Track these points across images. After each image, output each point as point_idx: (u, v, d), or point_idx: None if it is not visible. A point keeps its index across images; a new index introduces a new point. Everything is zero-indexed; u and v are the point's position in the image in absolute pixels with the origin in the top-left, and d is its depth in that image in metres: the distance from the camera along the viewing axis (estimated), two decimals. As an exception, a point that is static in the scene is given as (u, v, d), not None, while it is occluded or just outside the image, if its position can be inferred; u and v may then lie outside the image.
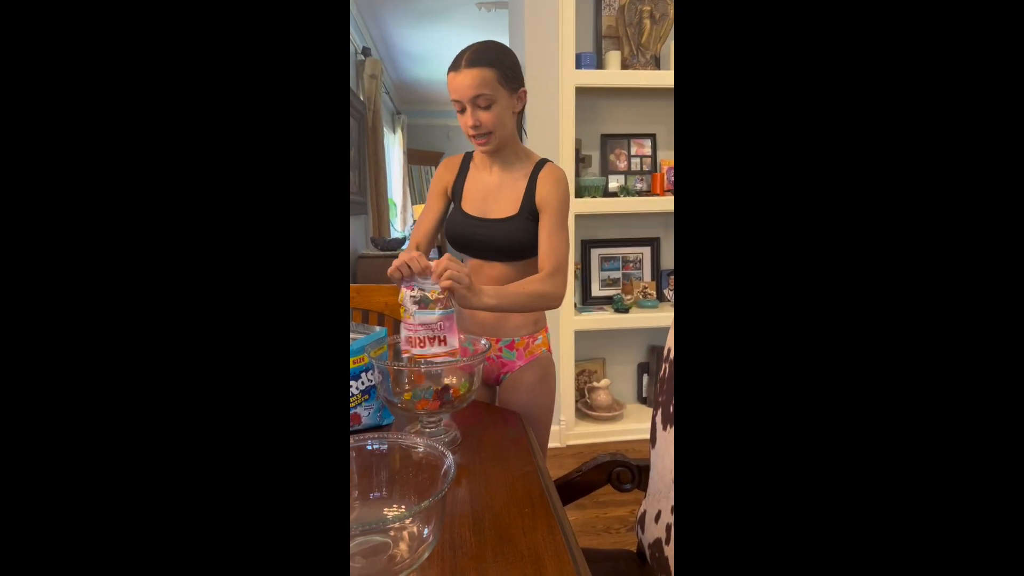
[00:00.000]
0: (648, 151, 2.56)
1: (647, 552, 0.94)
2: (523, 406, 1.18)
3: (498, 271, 1.18)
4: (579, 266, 2.56)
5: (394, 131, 5.76)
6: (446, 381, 0.93)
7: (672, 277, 2.65)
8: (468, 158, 1.25)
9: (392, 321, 1.52)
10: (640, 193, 2.51)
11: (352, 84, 3.77)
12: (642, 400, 2.72)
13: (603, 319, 2.43)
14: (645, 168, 2.56)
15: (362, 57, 4.05)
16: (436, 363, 0.92)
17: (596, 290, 2.62)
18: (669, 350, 0.93)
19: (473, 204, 1.20)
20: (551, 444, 2.39)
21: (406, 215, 5.86)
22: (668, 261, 2.66)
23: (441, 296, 0.92)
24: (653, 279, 2.63)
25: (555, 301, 1.09)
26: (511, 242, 1.15)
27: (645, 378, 2.70)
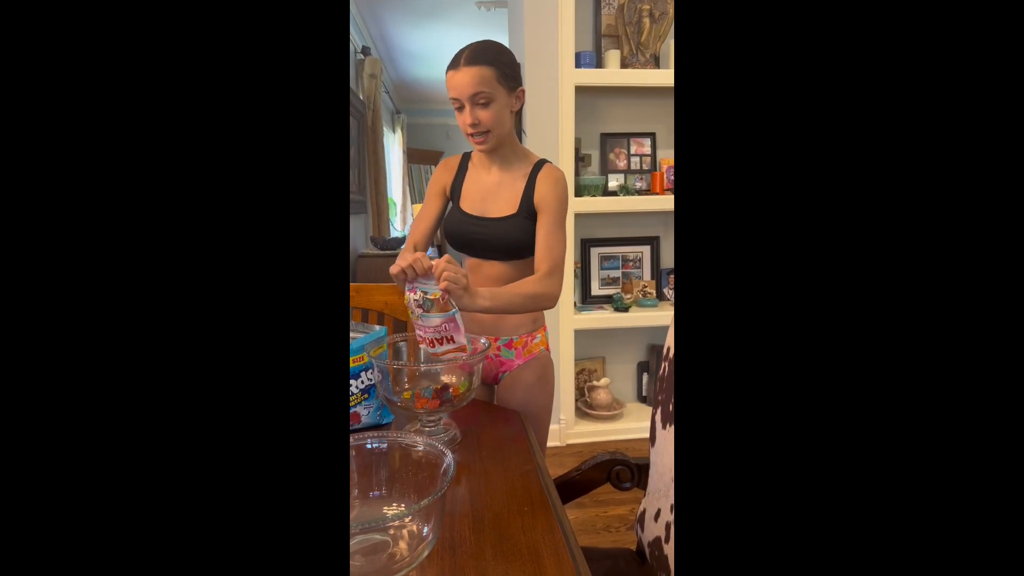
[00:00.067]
0: (648, 150, 2.56)
1: (647, 550, 0.94)
2: (521, 405, 1.18)
3: (496, 270, 1.18)
4: (579, 265, 2.56)
5: (394, 130, 5.76)
6: (445, 380, 0.94)
7: (672, 276, 2.65)
8: (466, 158, 1.26)
9: (392, 320, 1.52)
10: (640, 192, 2.51)
11: (352, 83, 3.77)
12: (642, 399, 2.72)
13: (603, 318, 2.43)
14: (645, 167, 2.56)
15: (362, 56, 4.05)
16: (444, 360, 0.95)
17: (596, 289, 2.62)
18: (669, 349, 0.93)
19: (472, 203, 1.20)
20: (551, 443, 2.39)
21: (406, 214, 5.86)
22: (668, 260, 2.66)
23: (440, 298, 0.93)
24: (653, 278, 2.63)
25: (551, 301, 1.10)
26: (509, 241, 1.15)
27: (645, 377, 2.70)
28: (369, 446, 0.69)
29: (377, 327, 1.05)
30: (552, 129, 2.31)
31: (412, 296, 0.96)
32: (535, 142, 2.29)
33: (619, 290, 2.60)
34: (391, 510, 0.68)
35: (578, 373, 2.63)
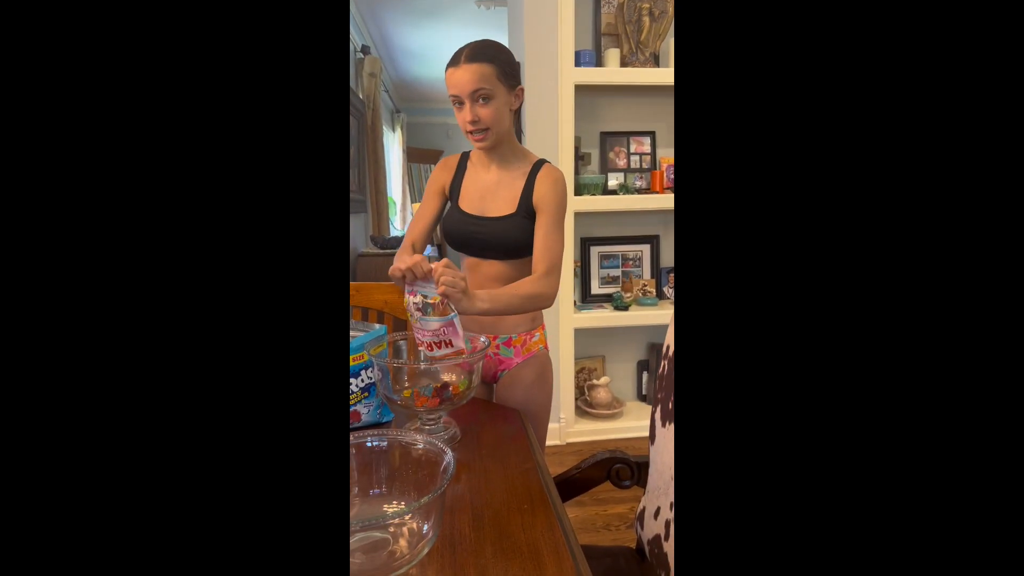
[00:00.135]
0: (647, 149, 2.56)
1: (646, 548, 0.94)
2: (520, 403, 1.18)
3: (495, 269, 1.18)
4: (578, 264, 2.56)
5: (393, 129, 5.75)
6: (445, 378, 0.94)
7: (671, 275, 2.65)
8: (465, 157, 1.26)
9: (392, 319, 1.52)
10: (639, 191, 2.51)
11: (351, 82, 3.77)
12: (642, 398, 2.72)
13: (603, 317, 2.43)
14: (644, 166, 2.56)
15: (361, 55, 4.04)
16: (443, 361, 0.95)
17: (596, 288, 2.62)
18: (668, 347, 0.93)
19: (471, 203, 1.20)
20: (551, 442, 2.39)
21: (405, 213, 5.86)
22: (667, 259, 2.66)
23: (439, 302, 0.94)
24: (652, 277, 2.63)
25: (548, 301, 1.11)
26: (508, 240, 1.15)
27: (645, 375, 2.70)
28: (369, 444, 0.70)
29: (377, 326, 1.06)
30: (552, 128, 2.31)
31: (411, 300, 0.96)
32: (535, 141, 2.29)
33: (619, 289, 2.60)
34: (391, 508, 0.69)
35: (578, 372, 2.63)
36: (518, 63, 1.16)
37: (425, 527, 0.60)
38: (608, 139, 2.54)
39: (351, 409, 0.98)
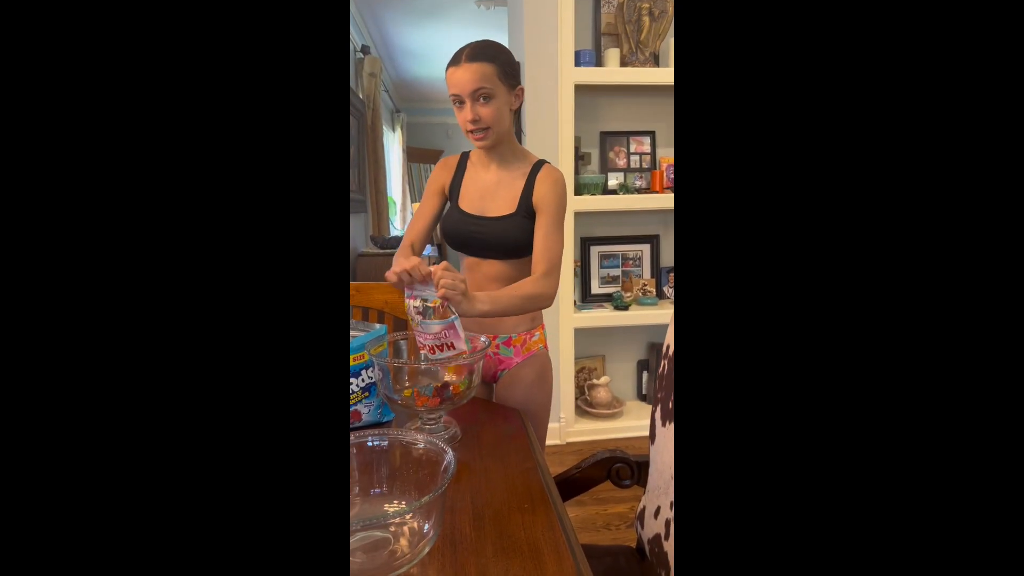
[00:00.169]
0: (647, 148, 2.56)
1: (646, 548, 0.94)
2: (520, 403, 1.18)
3: (495, 269, 1.18)
4: (578, 263, 2.56)
5: (393, 129, 5.75)
6: (446, 378, 0.94)
7: (671, 274, 2.65)
8: (465, 157, 1.26)
9: (392, 319, 1.52)
10: (639, 190, 2.51)
11: (351, 82, 3.77)
12: (642, 397, 2.72)
13: (603, 316, 2.44)
14: (644, 165, 2.56)
15: (361, 55, 4.04)
16: (442, 360, 0.95)
17: (596, 287, 2.62)
18: (668, 347, 0.93)
19: (471, 202, 1.20)
20: (551, 441, 2.39)
21: (405, 213, 5.86)
22: (667, 258, 2.66)
23: (440, 305, 0.94)
24: (652, 276, 2.63)
25: (547, 301, 1.11)
26: (508, 240, 1.15)
27: (645, 375, 2.70)
28: (370, 444, 0.70)
29: (377, 325, 1.06)
30: (552, 128, 2.31)
31: (412, 303, 0.97)
32: (535, 141, 2.29)
33: (619, 288, 2.60)
34: (392, 507, 0.69)
35: (578, 371, 2.63)
36: (518, 63, 1.16)
37: (426, 526, 0.60)
38: (608, 139, 2.54)
39: (352, 409, 0.98)
